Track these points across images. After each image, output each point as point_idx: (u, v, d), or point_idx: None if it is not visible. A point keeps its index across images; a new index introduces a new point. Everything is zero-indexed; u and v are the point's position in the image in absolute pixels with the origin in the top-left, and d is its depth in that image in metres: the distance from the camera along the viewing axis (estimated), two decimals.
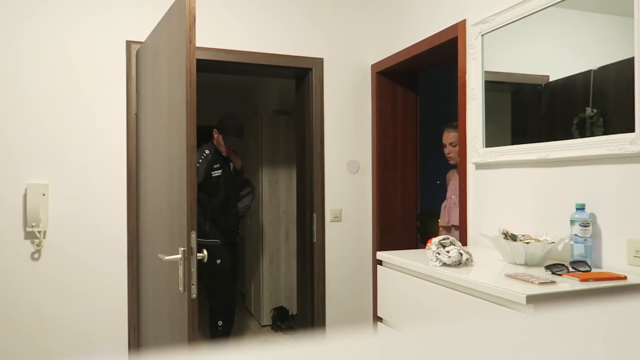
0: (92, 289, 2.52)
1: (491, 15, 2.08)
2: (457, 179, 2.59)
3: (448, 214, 2.69)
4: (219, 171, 3.19)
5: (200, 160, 3.15)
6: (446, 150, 2.67)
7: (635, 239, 1.53)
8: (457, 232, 2.60)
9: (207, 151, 3.22)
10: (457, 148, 2.56)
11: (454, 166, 2.70)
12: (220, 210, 3.23)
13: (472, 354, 0.30)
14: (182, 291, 1.81)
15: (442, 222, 2.79)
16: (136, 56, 2.58)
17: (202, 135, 2.98)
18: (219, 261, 3.18)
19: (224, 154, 3.23)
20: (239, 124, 3.20)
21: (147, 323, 2.44)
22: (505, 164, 2.05)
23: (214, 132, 3.24)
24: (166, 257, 1.86)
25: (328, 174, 3.02)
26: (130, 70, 2.59)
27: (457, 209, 2.54)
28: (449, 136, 2.63)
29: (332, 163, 3.03)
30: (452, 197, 2.67)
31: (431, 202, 3.41)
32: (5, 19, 2.39)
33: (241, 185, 3.42)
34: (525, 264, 1.66)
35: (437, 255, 1.69)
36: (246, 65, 2.90)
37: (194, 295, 1.79)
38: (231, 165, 3.29)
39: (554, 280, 1.40)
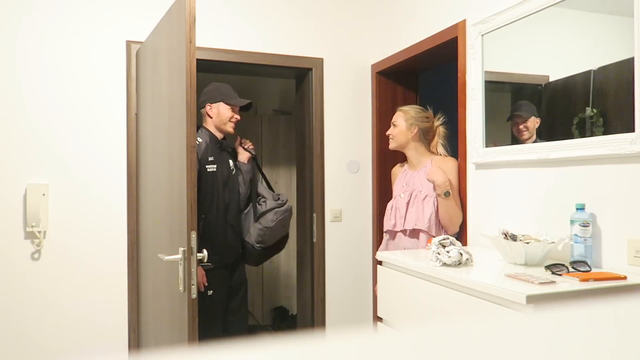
0: (92, 289, 2.51)
1: (491, 15, 2.08)
2: (409, 173, 2.38)
3: (395, 216, 2.34)
4: (213, 166, 2.49)
5: None
6: (388, 132, 2.42)
7: (635, 239, 1.53)
8: (408, 239, 2.27)
9: (199, 139, 2.46)
10: (397, 130, 2.34)
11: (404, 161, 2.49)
12: (217, 221, 2.52)
13: (472, 353, 0.30)
14: (182, 291, 1.81)
15: (386, 225, 2.40)
16: (136, 56, 2.58)
17: None
18: (210, 292, 2.47)
19: (231, 129, 2.55)
20: (229, 85, 2.61)
21: (147, 323, 2.44)
22: (505, 164, 2.05)
23: (206, 111, 2.57)
24: (166, 257, 1.86)
25: (328, 174, 3.02)
26: (130, 70, 2.59)
27: (415, 209, 2.24)
28: (394, 116, 2.42)
29: (332, 163, 3.03)
30: (402, 195, 2.34)
31: None
32: (4, 18, 2.39)
33: (252, 188, 2.68)
34: (525, 264, 1.66)
35: (437, 255, 1.69)
36: (246, 65, 2.90)
37: (194, 295, 1.79)
38: (231, 162, 2.61)
39: (554, 280, 1.40)
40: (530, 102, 2.05)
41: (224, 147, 2.61)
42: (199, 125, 2.55)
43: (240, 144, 2.73)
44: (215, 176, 2.50)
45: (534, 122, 2.02)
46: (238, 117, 2.59)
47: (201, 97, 2.57)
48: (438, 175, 2.19)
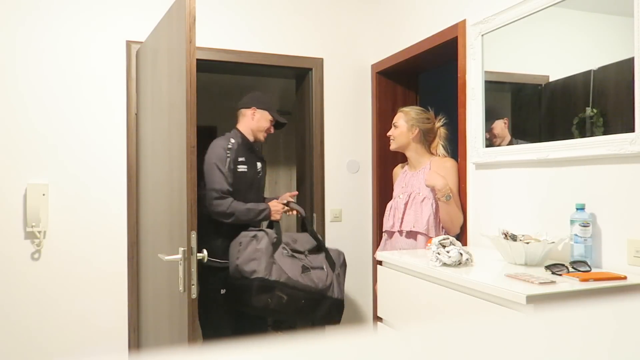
0: (92, 289, 2.51)
1: (491, 15, 2.08)
2: (408, 173, 2.38)
3: (393, 216, 2.35)
4: (244, 166, 2.51)
5: (228, 153, 2.45)
6: (389, 132, 2.42)
7: (635, 239, 1.53)
8: (405, 239, 2.27)
9: (232, 140, 2.50)
10: (398, 130, 2.34)
11: (403, 161, 2.50)
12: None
13: (471, 353, 0.30)
14: (182, 291, 1.81)
15: (385, 226, 2.42)
16: (136, 56, 2.58)
17: (201, 136, 2.93)
18: (223, 291, 2.41)
19: (262, 138, 2.61)
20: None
21: (147, 323, 2.44)
22: (505, 164, 2.05)
23: (251, 112, 2.58)
24: (166, 257, 1.86)
25: (328, 174, 3.02)
26: (130, 70, 2.59)
27: (414, 210, 2.25)
28: (395, 117, 2.41)
29: (332, 163, 3.03)
30: (400, 196, 2.34)
31: None
32: (4, 18, 2.39)
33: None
34: (525, 264, 1.66)
35: (437, 255, 1.69)
36: (246, 65, 2.90)
37: (194, 295, 1.79)
38: (258, 165, 2.62)
39: (554, 280, 1.40)
40: (495, 105, 2.06)
41: (253, 149, 2.64)
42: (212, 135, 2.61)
43: (288, 204, 2.60)
44: (245, 176, 2.53)
45: (501, 125, 2.05)
46: (272, 130, 2.67)
47: (247, 98, 2.64)
48: (437, 180, 2.18)
